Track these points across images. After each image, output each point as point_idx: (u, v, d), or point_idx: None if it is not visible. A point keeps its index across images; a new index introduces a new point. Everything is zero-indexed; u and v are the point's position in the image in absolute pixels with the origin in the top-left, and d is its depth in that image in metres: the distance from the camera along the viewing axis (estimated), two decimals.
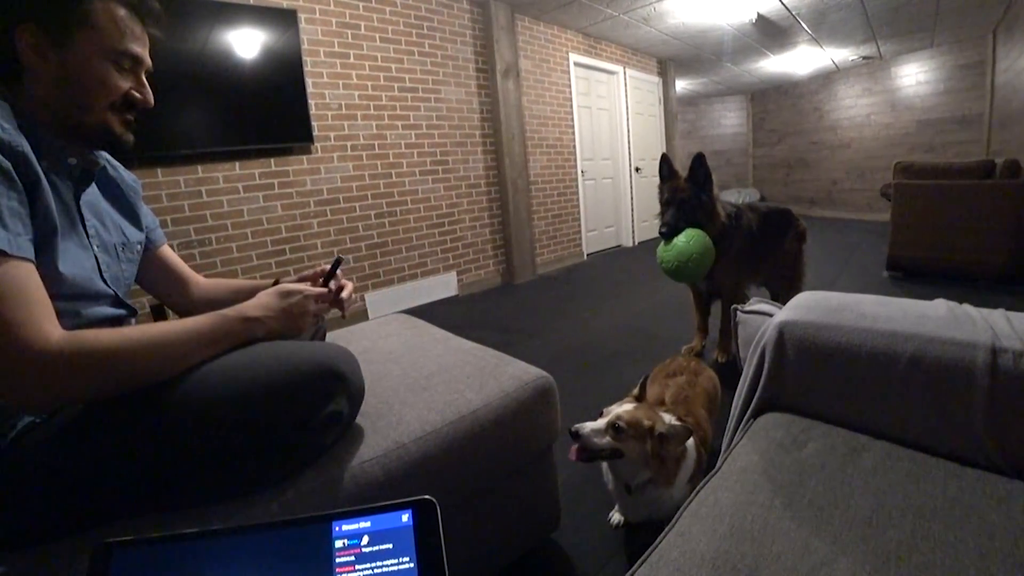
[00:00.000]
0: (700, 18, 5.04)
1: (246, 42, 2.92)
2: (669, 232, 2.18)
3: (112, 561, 0.37)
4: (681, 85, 8.11)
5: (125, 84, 0.86)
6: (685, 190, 2.20)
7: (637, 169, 6.41)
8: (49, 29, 0.78)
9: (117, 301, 0.90)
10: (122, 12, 0.84)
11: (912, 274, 3.90)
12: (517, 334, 3.18)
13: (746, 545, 0.68)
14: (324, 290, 0.98)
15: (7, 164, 0.68)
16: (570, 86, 5.34)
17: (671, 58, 6.65)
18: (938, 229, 3.71)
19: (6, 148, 0.69)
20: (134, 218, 1.04)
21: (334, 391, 0.82)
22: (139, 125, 0.91)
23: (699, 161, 2.22)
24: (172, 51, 2.63)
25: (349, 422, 0.89)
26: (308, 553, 0.37)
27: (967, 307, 0.97)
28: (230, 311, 0.84)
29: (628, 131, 6.22)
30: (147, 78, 0.92)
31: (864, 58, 7.12)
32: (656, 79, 6.74)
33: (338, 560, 0.37)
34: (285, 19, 3.07)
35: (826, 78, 8.07)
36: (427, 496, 0.39)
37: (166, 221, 2.76)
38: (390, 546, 0.38)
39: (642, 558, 0.70)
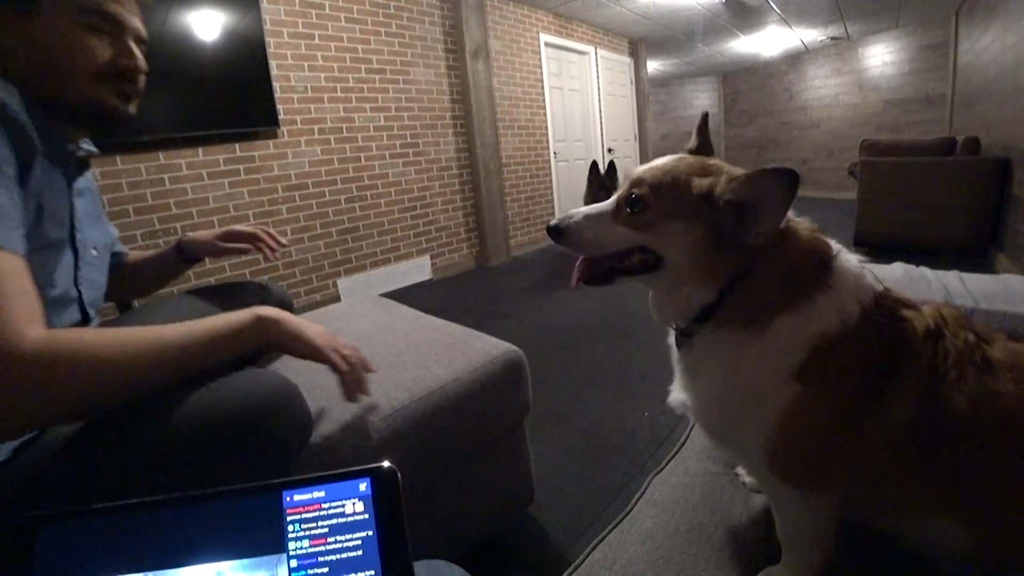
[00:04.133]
0: None
1: (206, 24, 2.81)
2: None
3: (37, 537, 0.34)
4: (653, 66, 8.11)
5: (105, 51, 0.76)
6: (608, 181, 3.43)
7: (610, 150, 6.41)
8: (12, 1, 0.70)
9: (81, 306, 0.83)
10: None
11: (879, 249, 3.99)
12: (492, 316, 3.18)
13: (718, 516, 0.69)
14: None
15: (7, 152, 0.62)
16: (541, 67, 5.30)
17: (642, 38, 6.63)
18: (902, 205, 3.80)
19: (11, 130, 0.63)
20: (103, 220, 0.99)
21: (272, 439, 0.72)
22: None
23: (612, 166, 3.59)
24: None
25: (299, 449, 0.79)
26: (257, 524, 0.36)
27: (923, 269, 0.99)
28: (243, 311, 0.73)
29: (600, 112, 6.20)
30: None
31: (832, 39, 7.20)
32: (628, 60, 6.72)
33: (290, 532, 0.35)
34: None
35: (796, 59, 8.15)
36: (386, 463, 0.38)
37: (128, 211, 2.66)
38: (347, 517, 0.36)
39: (612, 524, 0.70)
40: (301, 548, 0.35)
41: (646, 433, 1.73)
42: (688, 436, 0.91)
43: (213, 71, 2.86)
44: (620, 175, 3.41)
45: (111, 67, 0.77)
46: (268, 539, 0.35)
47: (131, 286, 1.18)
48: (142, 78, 0.84)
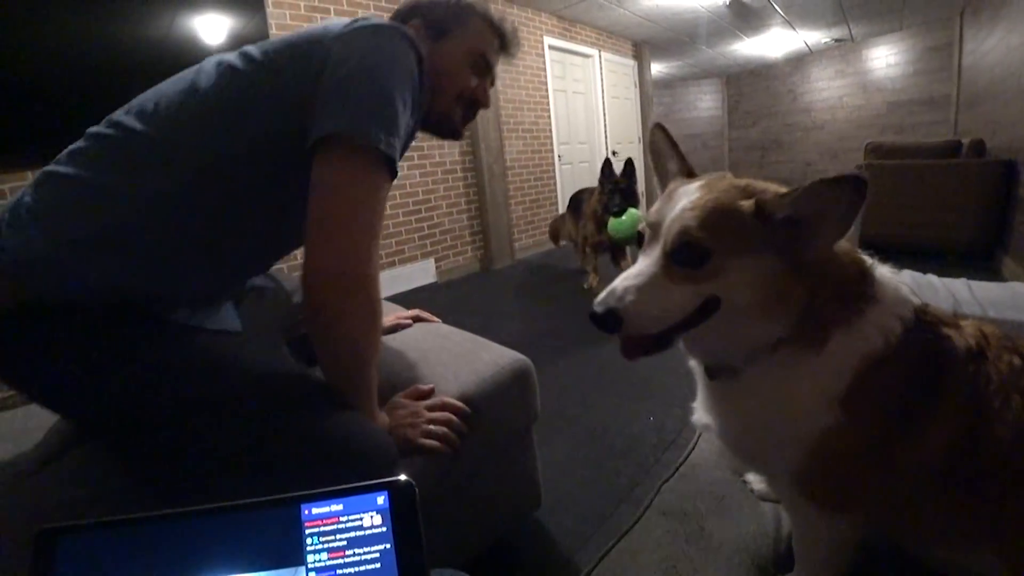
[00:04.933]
0: (674, 0, 5.03)
1: (212, 28, 2.83)
2: (620, 211, 3.10)
3: (57, 549, 0.35)
4: (656, 68, 8.10)
5: (471, 82, 1.02)
6: (623, 182, 3.25)
7: (614, 153, 6.40)
8: (432, 26, 0.98)
9: None
10: (490, 31, 1.03)
11: (883, 252, 3.92)
12: (497, 319, 3.18)
13: (728, 525, 0.68)
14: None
15: (418, 107, 0.85)
16: (545, 69, 5.30)
17: (646, 41, 6.63)
18: (908, 208, 3.78)
19: (417, 86, 0.83)
20: None
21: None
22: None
23: (629, 165, 3.34)
24: (135, 38, 2.54)
25: None
26: (276, 538, 0.36)
27: (931, 276, 0.99)
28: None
29: (604, 115, 6.20)
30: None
31: (836, 40, 7.19)
32: (631, 62, 6.72)
33: (309, 545, 0.36)
34: (251, 3, 2.98)
35: (799, 61, 8.14)
36: (403, 477, 0.39)
37: None
38: (365, 530, 0.37)
39: (622, 532, 0.70)
40: (319, 561, 0.36)
41: (652, 437, 1.73)
42: (696, 443, 0.91)
43: None
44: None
45: (469, 95, 1.03)
46: (287, 552, 0.36)
47: None
48: (478, 111, 1.09)
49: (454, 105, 1.01)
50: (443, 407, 0.91)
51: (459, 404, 0.93)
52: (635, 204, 3.23)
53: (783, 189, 0.57)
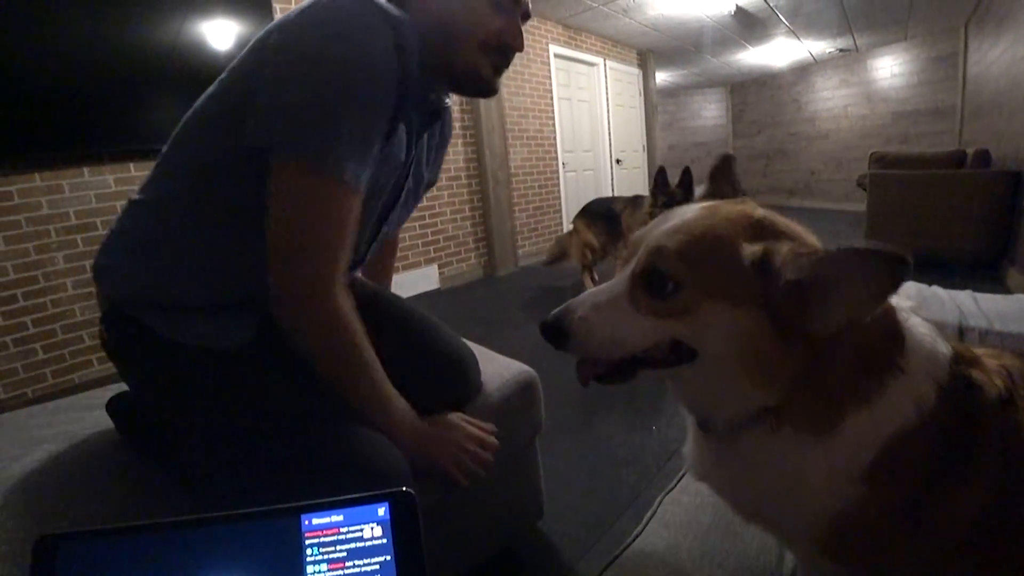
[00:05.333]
0: (679, 9, 5.05)
1: (220, 32, 2.85)
2: None
3: (58, 556, 0.35)
4: (661, 77, 8.12)
5: (496, 22, 0.80)
6: (679, 193, 2.75)
7: (618, 161, 6.42)
8: None
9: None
10: None
11: None
12: (500, 326, 3.18)
13: (730, 539, 0.68)
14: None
15: (387, 100, 0.70)
16: (550, 77, 5.32)
17: (651, 49, 6.65)
18: (912, 218, 3.77)
19: (406, 64, 0.71)
20: (430, 165, 1.03)
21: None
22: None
23: (687, 174, 2.83)
24: (144, 42, 2.56)
25: None
26: (275, 548, 0.36)
27: (936, 289, 0.98)
28: (418, 425, 0.84)
29: (608, 123, 6.21)
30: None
31: (841, 50, 7.20)
32: (636, 71, 6.74)
33: (309, 556, 0.36)
34: (259, 8, 3.00)
35: (804, 70, 8.15)
36: (404, 487, 0.38)
37: None
38: (365, 541, 0.36)
39: (624, 544, 0.70)
40: (319, 572, 0.35)
41: (655, 447, 1.72)
42: None
43: None
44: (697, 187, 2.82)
45: (496, 39, 0.81)
46: (286, 563, 0.35)
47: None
48: (512, 56, 0.87)
49: (479, 56, 0.81)
50: (481, 440, 0.90)
51: (496, 444, 0.91)
52: None
53: (809, 237, 0.48)
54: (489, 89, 0.86)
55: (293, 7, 0.72)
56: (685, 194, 2.71)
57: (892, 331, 0.47)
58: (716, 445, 0.54)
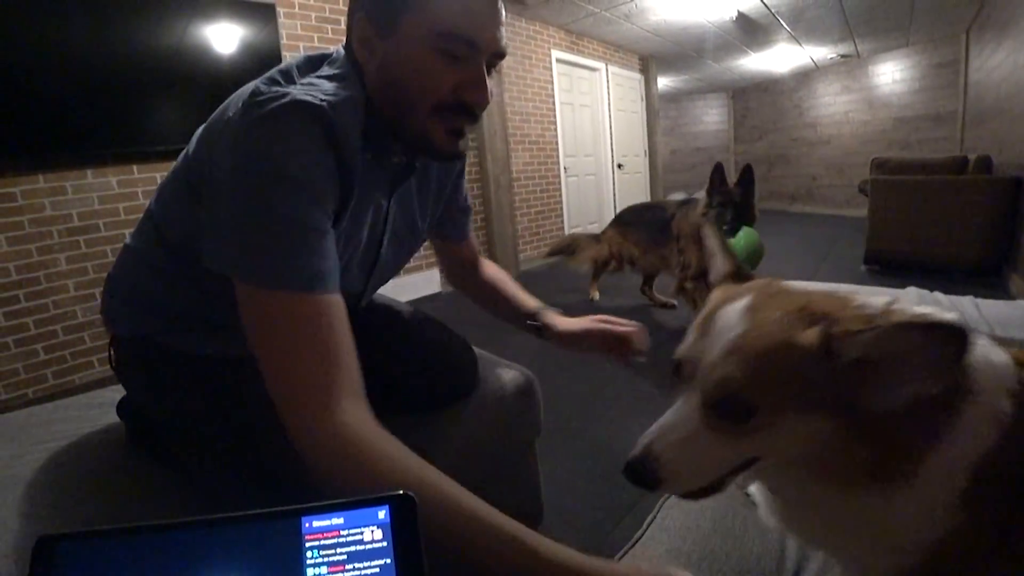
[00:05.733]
0: (681, 15, 5.06)
1: (224, 37, 2.87)
2: (732, 230, 2.48)
3: (57, 556, 0.35)
4: (663, 82, 8.14)
5: (449, 79, 0.69)
6: (737, 193, 2.50)
7: (619, 166, 6.43)
8: (376, 18, 0.69)
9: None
10: None
11: (889, 268, 3.96)
12: (501, 331, 3.16)
13: (729, 543, 0.68)
14: None
15: (323, 196, 0.63)
16: (552, 82, 5.33)
17: (653, 55, 6.67)
18: (914, 224, 3.78)
19: (342, 151, 0.64)
20: (430, 207, 0.96)
21: None
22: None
23: (748, 173, 2.54)
24: (148, 46, 2.58)
25: None
26: (275, 549, 0.36)
27: (937, 294, 0.98)
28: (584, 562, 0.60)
29: (610, 128, 6.23)
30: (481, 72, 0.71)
31: (842, 56, 7.22)
32: (638, 76, 6.76)
33: (309, 559, 0.36)
34: (264, 14, 3.02)
35: (806, 76, 8.17)
36: (404, 491, 0.39)
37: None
38: (365, 544, 0.37)
39: (623, 550, 0.70)
40: (319, 575, 0.35)
41: None
42: None
43: (229, 82, 2.88)
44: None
45: (451, 98, 0.70)
46: (286, 565, 0.36)
47: (467, 288, 1.23)
48: (478, 112, 0.74)
49: (430, 121, 0.71)
50: None
51: None
52: (751, 221, 2.55)
53: (852, 303, 0.45)
54: (446, 155, 0.77)
55: (288, 60, 0.74)
56: (744, 194, 2.51)
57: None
58: (787, 497, 0.53)
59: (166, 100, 2.72)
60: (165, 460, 0.86)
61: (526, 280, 4.60)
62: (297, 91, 0.63)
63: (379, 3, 0.69)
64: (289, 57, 3.21)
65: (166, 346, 0.80)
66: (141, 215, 0.87)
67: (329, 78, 0.70)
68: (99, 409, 1.05)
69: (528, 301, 1.11)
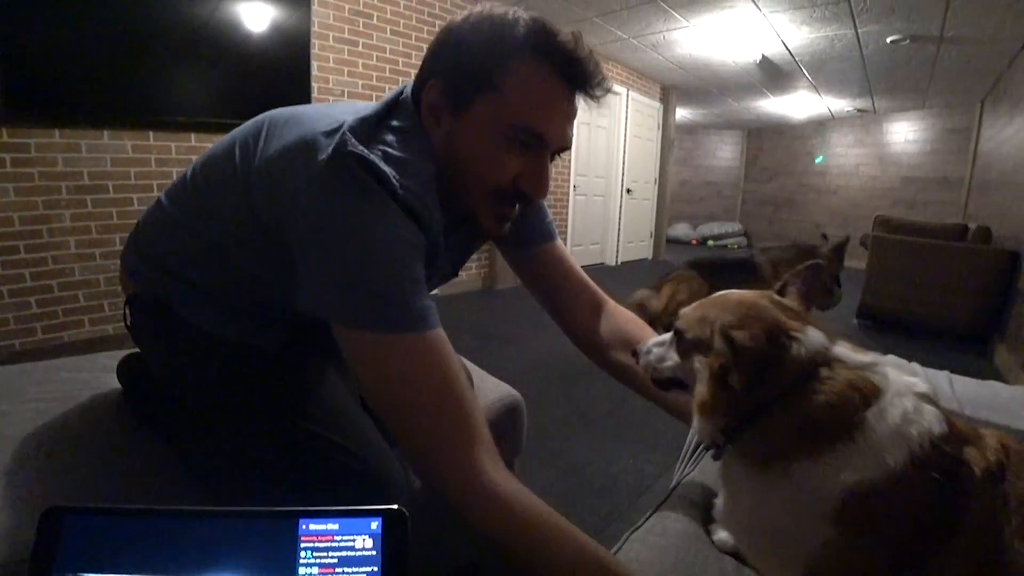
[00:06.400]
0: (707, 52, 5.13)
1: (256, 16, 2.89)
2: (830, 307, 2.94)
3: (63, 527, 0.37)
4: (681, 113, 8.22)
5: (512, 168, 0.69)
6: (838, 268, 2.87)
7: (628, 191, 6.48)
8: (451, 92, 0.67)
9: None
10: (542, 75, 0.66)
11: (881, 323, 4.01)
12: (494, 340, 3.19)
13: None
14: None
15: (421, 240, 0.64)
16: None
17: (675, 86, 6.74)
18: (909, 283, 3.82)
19: (422, 221, 0.64)
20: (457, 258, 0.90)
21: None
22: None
23: (840, 251, 3.02)
24: (180, 14, 2.60)
25: None
26: (272, 546, 0.38)
27: (915, 365, 1.01)
28: None
29: (624, 152, 6.28)
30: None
31: (859, 110, 7.32)
32: (658, 104, 6.82)
33: (302, 558, 0.38)
34: None
35: (821, 124, 8.27)
36: (398, 506, 0.41)
37: (152, 186, 2.71)
38: (356, 551, 0.39)
39: None
40: (310, 574, 0.38)
41: (630, 480, 1.74)
42: (669, 496, 0.92)
43: (255, 62, 2.93)
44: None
45: (510, 186, 0.70)
46: (281, 562, 0.38)
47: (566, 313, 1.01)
48: (531, 202, 0.75)
49: (484, 203, 0.71)
50: None
51: None
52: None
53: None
54: (490, 235, 0.78)
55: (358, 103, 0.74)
56: (840, 267, 3.05)
57: (856, 406, 0.52)
58: (723, 474, 0.65)
59: (190, 72, 2.74)
60: (160, 429, 0.87)
61: (523, 292, 4.61)
62: (389, 171, 0.61)
63: (460, 75, 0.67)
64: (318, 45, 3.24)
65: (182, 317, 0.80)
66: (155, 180, 0.88)
67: (403, 139, 0.67)
68: (89, 371, 1.06)
69: None
